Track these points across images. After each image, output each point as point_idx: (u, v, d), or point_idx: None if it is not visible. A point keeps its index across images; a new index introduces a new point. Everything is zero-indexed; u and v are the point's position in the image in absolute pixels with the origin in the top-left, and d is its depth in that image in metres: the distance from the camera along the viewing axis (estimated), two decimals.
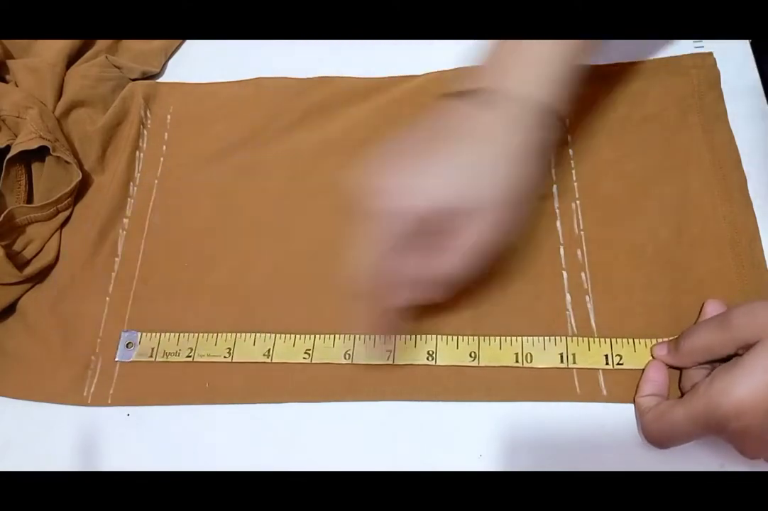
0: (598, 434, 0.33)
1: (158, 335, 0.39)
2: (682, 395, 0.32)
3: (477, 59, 0.33)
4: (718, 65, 0.42)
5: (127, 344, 0.38)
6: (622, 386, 0.34)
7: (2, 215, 0.39)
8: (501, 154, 0.30)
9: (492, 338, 0.36)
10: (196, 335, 0.38)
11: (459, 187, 0.29)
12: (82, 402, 0.37)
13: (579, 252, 0.38)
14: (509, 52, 0.32)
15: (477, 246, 0.30)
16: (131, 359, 0.38)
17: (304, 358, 0.37)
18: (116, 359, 0.38)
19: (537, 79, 0.30)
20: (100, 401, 0.37)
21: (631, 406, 0.34)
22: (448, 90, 0.32)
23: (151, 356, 0.38)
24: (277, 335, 0.38)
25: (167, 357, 0.38)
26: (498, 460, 0.33)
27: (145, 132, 0.47)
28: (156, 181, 0.45)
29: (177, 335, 0.38)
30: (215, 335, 0.38)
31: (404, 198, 0.29)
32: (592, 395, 0.34)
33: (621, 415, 0.33)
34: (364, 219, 0.31)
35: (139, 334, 0.39)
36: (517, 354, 0.35)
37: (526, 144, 0.30)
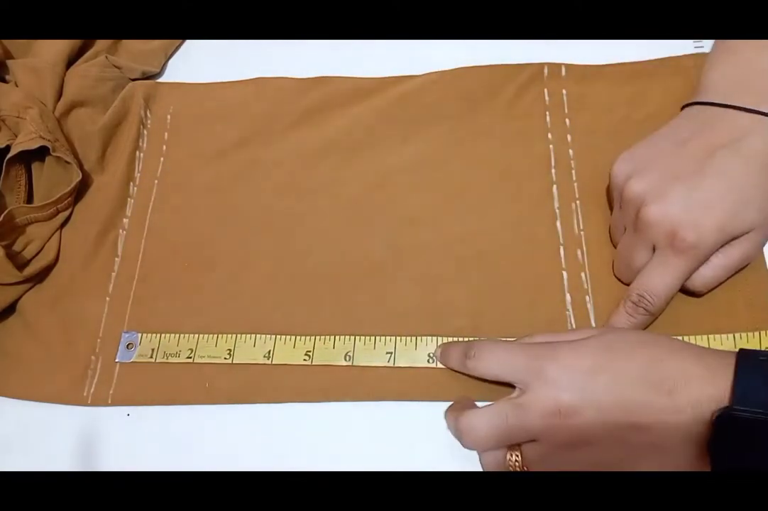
0: None
1: (158, 336, 0.39)
2: None
3: (715, 63, 0.35)
4: None
5: (128, 345, 0.38)
6: None
7: (2, 215, 0.39)
8: (766, 172, 0.31)
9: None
10: (197, 336, 0.38)
11: (740, 215, 0.31)
12: (82, 402, 0.37)
13: (579, 252, 0.38)
14: (759, 68, 0.33)
15: (742, 262, 0.32)
16: (131, 360, 0.38)
17: (304, 359, 0.37)
18: (116, 360, 0.38)
19: None
20: (100, 401, 0.37)
21: None
22: (691, 100, 0.35)
23: (152, 357, 0.38)
24: (278, 337, 0.38)
25: (167, 358, 0.38)
26: None
27: (145, 132, 0.47)
28: (156, 181, 0.45)
29: (177, 336, 0.38)
30: (215, 336, 0.38)
31: (699, 235, 0.30)
32: None
33: None
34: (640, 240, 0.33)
35: (140, 335, 0.39)
36: None
37: None
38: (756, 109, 0.32)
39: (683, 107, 0.35)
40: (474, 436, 0.30)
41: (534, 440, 0.29)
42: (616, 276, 0.36)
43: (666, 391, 0.27)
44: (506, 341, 0.34)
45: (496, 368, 0.32)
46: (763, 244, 0.33)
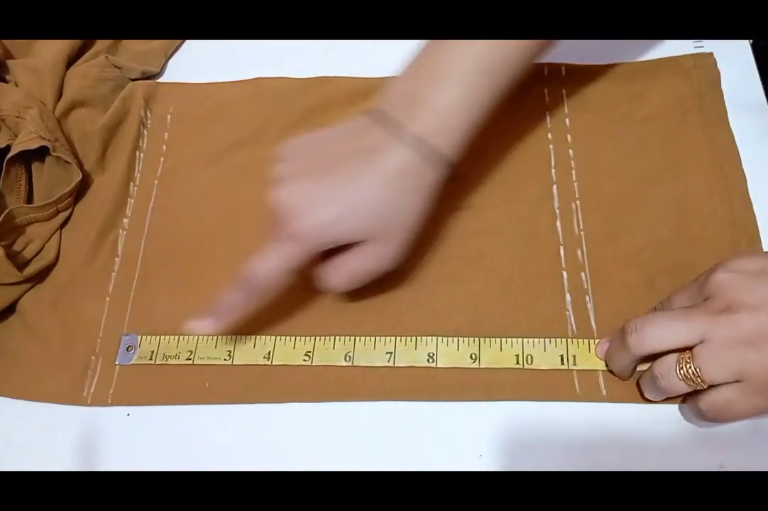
0: (598, 434, 0.33)
1: (158, 338, 0.38)
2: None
3: (404, 69, 0.35)
4: (718, 65, 0.42)
5: (127, 348, 0.38)
6: (622, 386, 0.34)
7: (2, 215, 0.39)
8: (401, 194, 0.32)
9: (492, 339, 0.36)
10: (196, 337, 0.38)
11: (359, 223, 0.32)
12: (82, 402, 0.37)
13: (579, 252, 0.38)
14: (427, 78, 0.33)
15: (362, 271, 0.33)
16: (131, 363, 0.38)
17: (304, 360, 0.37)
18: (116, 363, 0.38)
19: (444, 129, 0.32)
20: (100, 401, 0.37)
21: (631, 406, 0.34)
22: (368, 104, 0.35)
23: (151, 359, 0.38)
24: (278, 337, 0.38)
25: (167, 360, 0.38)
26: (498, 460, 0.33)
27: (145, 132, 0.47)
28: (156, 181, 0.45)
29: (177, 337, 0.38)
30: (215, 337, 0.38)
31: (306, 229, 0.31)
32: (592, 396, 0.34)
33: (621, 415, 0.33)
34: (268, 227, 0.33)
35: (139, 337, 0.39)
36: (517, 356, 0.35)
37: (423, 188, 0.33)
38: (401, 128, 0.32)
39: (364, 111, 0.35)
40: (651, 334, 0.30)
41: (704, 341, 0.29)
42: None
43: None
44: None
45: (662, 330, 0.30)
46: (389, 261, 0.33)
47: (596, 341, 0.35)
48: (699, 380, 0.29)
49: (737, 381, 0.28)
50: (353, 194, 0.32)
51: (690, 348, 0.29)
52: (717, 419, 0.30)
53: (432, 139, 0.32)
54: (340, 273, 0.34)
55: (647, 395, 0.33)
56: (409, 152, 0.32)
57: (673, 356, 0.30)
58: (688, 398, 0.32)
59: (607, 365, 0.34)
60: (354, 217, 0.32)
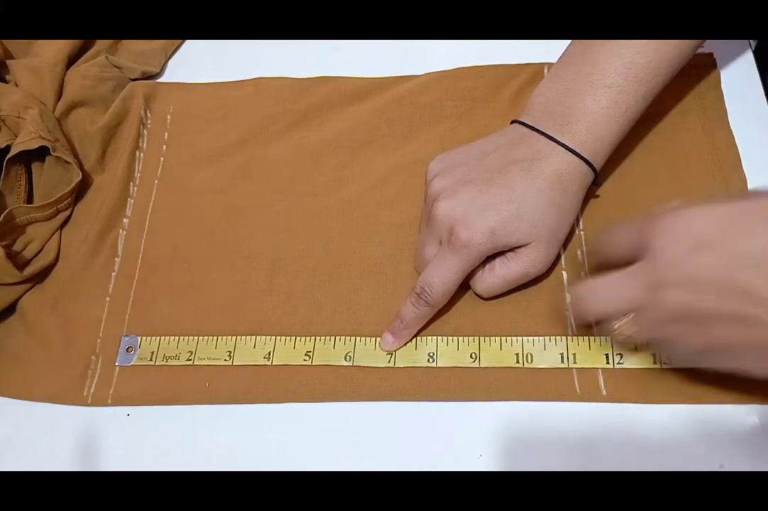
0: (598, 434, 0.33)
1: (158, 338, 0.38)
2: None
3: (546, 80, 0.37)
4: (718, 65, 0.42)
5: (127, 349, 0.38)
6: (621, 386, 0.34)
7: (2, 215, 0.39)
8: (561, 198, 0.34)
9: (492, 338, 0.36)
10: (196, 338, 0.38)
11: (523, 227, 0.33)
12: (82, 402, 0.37)
13: (579, 252, 0.38)
14: (577, 85, 0.35)
15: (521, 275, 0.35)
16: (131, 364, 0.38)
17: (304, 360, 0.37)
18: (116, 364, 0.38)
19: (592, 137, 0.34)
20: (100, 401, 0.37)
21: (631, 406, 0.34)
22: (517, 116, 0.37)
23: (151, 360, 0.38)
24: (278, 338, 0.38)
25: (167, 361, 0.38)
26: (498, 460, 0.33)
27: (145, 132, 0.47)
28: (156, 181, 0.45)
29: (177, 338, 0.38)
30: (215, 338, 0.38)
31: (473, 237, 0.33)
32: (591, 396, 0.34)
33: (621, 415, 0.33)
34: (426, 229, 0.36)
35: (139, 338, 0.39)
36: (517, 355, 0.35)
37: (577, 193, 0.35)
38: (553, 136, 0.34)
39: (511, 122, 0.37)
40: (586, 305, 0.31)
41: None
42: (415, 268, 0.38)
43: None
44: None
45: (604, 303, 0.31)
46: (541, 265, 0.35)
47: (596, 338, 0.35)
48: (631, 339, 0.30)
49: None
50: (518, 199, 0.33)
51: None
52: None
53: (582, 146, 0.34)
54: (497, 277, 0.35)
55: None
56: (566, 158, 0.34)
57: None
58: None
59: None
60: (521, 220, 0.33)
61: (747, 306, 0.26)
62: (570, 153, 0.34)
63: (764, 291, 0.26)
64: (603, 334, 0.34)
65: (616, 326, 0.30)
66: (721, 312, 0.27)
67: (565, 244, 0.38)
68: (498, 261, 0.35)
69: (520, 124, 0.36)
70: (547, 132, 0.35)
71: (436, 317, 0.37)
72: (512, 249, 0.34)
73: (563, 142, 0.34)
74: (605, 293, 0.31)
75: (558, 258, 0.37)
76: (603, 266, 0.32)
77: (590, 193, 0.37)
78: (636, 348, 0.34)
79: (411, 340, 0.36)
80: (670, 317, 0.28)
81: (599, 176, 0.36)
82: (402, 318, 0.35)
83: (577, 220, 0.39)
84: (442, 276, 0.34)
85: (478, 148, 0.36)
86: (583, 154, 0.34)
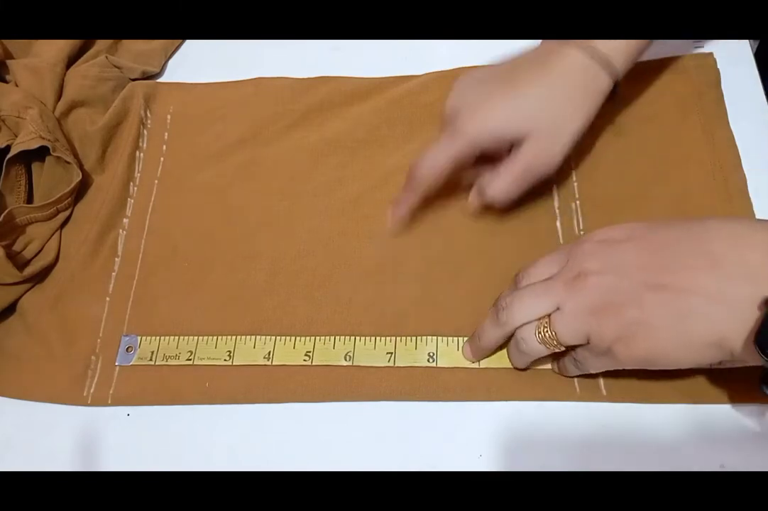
0: (598, 434, 0.33)
1: (158, 338, 0.38)
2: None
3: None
4: (718, 65, 0.42)
5: (127, 348, 0.38)
6: (621, 386, 0.34)
7: (2, 215, 0.39)
8: (568, 92, 0.34)
9: None
10: (196, 338, 0.38)
11: (520, 117, 0.34)
12: (82, 402, 0.37)
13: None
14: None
15: (524, 171, 0.35)
16: (131, 363, 0.38)
17: (304, 360, 0.37)
18: (116, 364, 0.38)
19: (617, 43, 0.34)
20: (100, 401, 0.37)
21: (631, 406, 0.34)
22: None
23: (151, 360, 0.38)
24: (277, 338, 0.38)
25: (167, 360, 0.38)
26: (498, 460, 0.33)
27: (145, 132, 0.47)
28: (156, 181, 0.45)
29: (177, 338, 0.38)
30: (215, 338, 0.38)
31: (468, 124, 0.34)
32: (591, 395, 0.34)
33: (621, 415, 0.33)
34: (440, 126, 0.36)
35: (139, 338, 0.39)
36: None
37: (589, 92, 0.35)
38: (583, 44, 0.34)
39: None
40: (518, 309, 0.31)
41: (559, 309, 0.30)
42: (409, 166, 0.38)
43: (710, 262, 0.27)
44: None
45: (526, 305, 0.31)
46: (545, 159, 0.35)
47: None
48: (555, 342, 0.30)
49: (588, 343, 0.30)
50: (520, 91, 0.34)
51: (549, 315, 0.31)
52: (582, 371, 0.32)
53: (606, 50, 0.34)
54: (503, 177, 0.35)
55: (514, 362, 0.34)
56: (584, 56, 0.34)
57: (534, 323, 0.31)
58: (560, 357, 0.34)
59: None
60: (518, 109, 0.34)
61: (666, 276, 0.28)
62: (590, 53, 0.34)
63: (683, 262, 0.28)
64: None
65: (536, 330, 0.31)
66: (641, 285, 0.28)
67: (565, 244, 0.38)
68: (503, 162, 0.35)
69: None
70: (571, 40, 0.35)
71: (436, 317, 0.37)
72: (517, 146, 0.34)
73: (584, 45, 0.34)
74: (529, 297, 0.31)
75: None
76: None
77: (611, 100, 0.36)
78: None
79: (411, 340, 0.36)
80: (591, 305, 0.29)
81: (618, 86, 0.35)
82: (396, 201, 0.38)
83: (578, 220, 0.39)
84: (430, 155, 0.35)
85: (508, 61, 0.37)
86: (605, 55, 0.34)
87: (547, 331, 0.30)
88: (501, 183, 0.35)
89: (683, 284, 0.28)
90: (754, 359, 0.26)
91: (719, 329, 0.27)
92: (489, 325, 0.33)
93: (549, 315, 0.30)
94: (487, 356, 0.35)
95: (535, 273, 0.32)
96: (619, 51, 0.34)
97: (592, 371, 0.32)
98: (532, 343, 0.31)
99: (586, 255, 0.30)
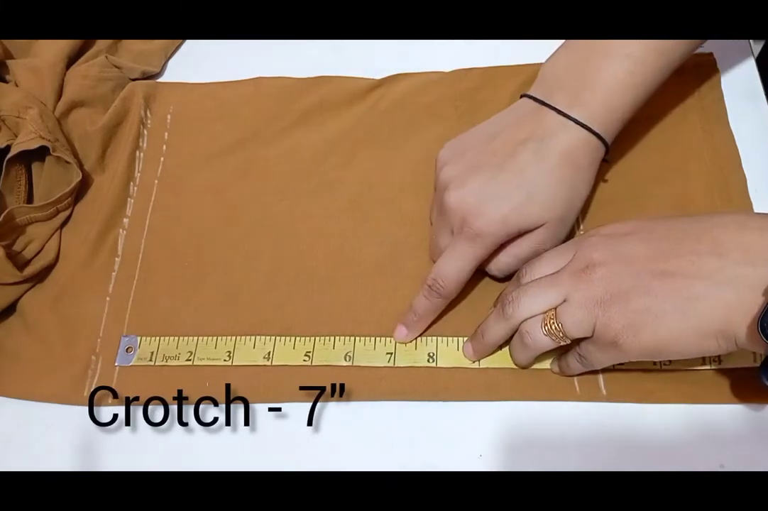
0: (598, 434, 0.33)
1: (157, 339, 0.38)
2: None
3: (556, 54, 0.36)
4: (718, 65, 0.42)
5: (127, 349, 0.38)
6: (622, 386, 0.34)
7: (2, 215, 0.39)
8: (573, 172, 0.34)
9: None
10: (196, 338, 0.38)
11: (536, 210, 0.33)
12: (82, 402, 0.37)
13: None
14: (589, 56, 0.34)
15: (534, 254, 0.34)
16: (131, 364, 0.38)
17: (304, 360, 0.37)
18: (116, 364, 0.38)
19: (606, 108, 0.34)
20: (100, 401, 0.37)
21: (631, 406, 0.34)
22: (524, 91, 0.36)
23: (151, 360, 0.38)
24: (277, 338, 0.38)
25: (167, 361, 0.38)
26: (498, 460, 0.33)
27: (145, 132, 0.47)
28: (156, 181, 0.45)
29: (176, 338, 0.38)
30: (215, 338, 0.38)
31: (485, 225, 0.33)
32: (591, 395, 0.34)
33: (621, 415, 0.33)
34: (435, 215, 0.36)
35: (139, 338, 0.39)
36: None
37: (592, 164, 0.34)
38: (564, 111, 0.33)
39: (521, 96, 0.36)
40: (525, 303, 0.32)
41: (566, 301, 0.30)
42: (430, 258, 0.37)
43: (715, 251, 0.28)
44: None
45: (534, 298, 0.32)
46: (552, 243, 0.35)
47: None
48: (561, 334, 0.31)
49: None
50: (529, 182, 0.33)
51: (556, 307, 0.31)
52: (586, 367, 0.32)
53: (593, 120, 0.33)
54: (508, 257, 0.35)
55: (517, 359, 0.34)
56: (577, 132, 0.33)
57: (540, 316, 0.31)
58: (561, 355, 0.34)
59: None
60: (533, 204, 0.33)
61: (671, 262, 0.29)
62: (580, 127, 0.33)
63: (688, 248, 0.29)
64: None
65: (542, 322, 0.31)
66: (647, 273, 0.29)
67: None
68: (513, 241, 0.35)
69: (529, 98, 0.35)
70: (557, 106, 0.34)
71: (436, 317, 0.37)
72: (526, 232, 0.34)
73: (574, 116, 0.33)
74: (536, 290, 0.32)
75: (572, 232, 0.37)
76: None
77: (601, 169, 0.36)
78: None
79: (411, 340, 0.36)
80: (598, 295, 0.29)
81: (610, 153, 0.35)
82: (415, 311, 0.35)
83: (577, 220, 0.39)
84: (454, 266, 0.34)
85: (486, 130, 0.36)
86: (594, 128, 0.33)
87: (553, 323, 0.30)
88: (507, 260, 0.35)
89: (689, 269, 0.28)
90: (757, 346, 0.27)
91: (725, 313, 0.27)
92: (494, 320, 0.33)
93: (555, 308, 0.31)
94: (489, 355, 0.35)
95: (540, 267, 0.33)
96: (610, 114, 0.34)
97: (597, 367, 0.32)
98: (538, 335, 0.31)
99: (593, 247, 0.31)
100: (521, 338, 0.32)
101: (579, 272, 0.30)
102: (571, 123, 0.33)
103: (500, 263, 0.35)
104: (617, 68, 0.33)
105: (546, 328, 0.31)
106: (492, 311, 0.34)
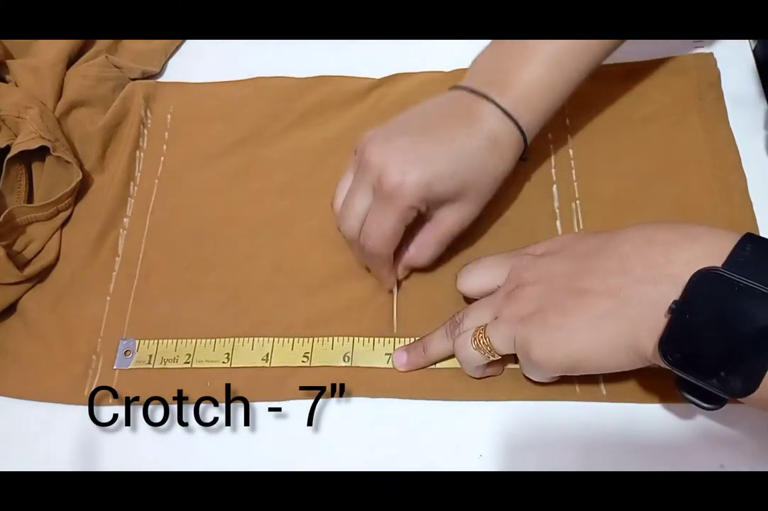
0: (598, 434, 0.33)
1: (156, 342, 0.38)
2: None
3: (485, 51, 0.37)
4: (718, 65, 0.42)
5: (125, 352, 0.38)
6: (621, 386, 0.34)
7: (2, 215, 0.40)
8: (488, 152, 0.33)
9: None
10: (194, 340, 0.38)
11: (449, 178, 0.32)
12: (82, 402, 0.37)
13: None
14: (512, 57, 0.35)
15: (450, 236, 0.35)
16: (129, 367, 0.38)
17: (303, 361, 0.37)
18: (114, 367, 0.38)
19: (526, 106, 0.34)
20: (100, 401, 0.37)
21: (631, 406, 0.34)
22: (455, 83, 0.36)
23: (149, 363, 0.38)
24: (276, 339, 0.37)
25: (165, 364, 0.38)
26: (498, 460, 0.33)
27: (146, 132, 0.47)
28: (156, 181, 0.45)
29: (175, 341, 0.38)
30: (213, 340, 0.38)
31: (403, 184, 0.32)
32: (591, 395, 0.34)
33: (621, 415, 0.33)
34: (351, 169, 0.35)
35: (137, 341, 0.39)
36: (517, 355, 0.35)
37: (506, 152, 0.34)
38: (494, 99, 0.34)
39: (450, 89, 0.36)
40: (468, 320, 0.33)
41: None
42: (332, 209, 0.36)
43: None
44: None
45: (475, 316, 0.33)
46: (466, 225, 0.35)
47: None
48: (489, 348, 0.31)
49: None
50: (456, 154, 0.33)
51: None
52: (537, 379, 0.33)
53: (516, 114, 0.34)
54: (428, 245, 0.35)
55: (467, 373, 0.34)
56: (503, 123, 0.34)
57: (471, 330, 0.32)
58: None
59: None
60: (455, 177, 0.33)
61: (585, 281, 0.29)
62: (507, 118, 0.33)
63: (599, 266, 0.29)
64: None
65: (472, 337, 0.32)
66: (564, 291, 0.30)
67: None
68: (425, 229, 0.35)
69: (460, 89, 0.35)
70: (488, 95, 0.34)
71: (435, 317, 0.37)
72: (437, 208, 0.34)
73: (502, 105, 0.33)
74: (476, 309, 0.33)
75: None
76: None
77: (517, 168, 0.36)
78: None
79: (410, 340, 0.36)
80: (522, 313, 0.30)
81: (528, 151, 0.35)
82: (379, 279, 0.37)
83: (578, 220, 0.39)
84: (380, 225, 0.33)
85: (416, 111, 0.35)
86: (519, 122, 0.34)
87: (482, 337, 0.31)
88: (428, 250, 0.36)
89: (599, 287, 0.29)
90: (664, 366, 0.27)
91: (632, 333, 0.27)
92: (439, 336, 0.34)
93: (486, 324, 0.32)
94: (420, 369, 0.36)
95: (478, 282, 0.35)
96: (529, 112, 0.34)
97: (536, 380, 0.33)
98: (469, 350, 0.32)
99: (524, 267, 0.32)
100: (456, 353, 0.33)
101: (509, 291, 0.32)
102: (499, 111, 0.33)
103: (428, 257, 0.36)
104: (533, 70, 0.34)
105: (475, 343, 0.32)
106: (438, 328, 0.35)
